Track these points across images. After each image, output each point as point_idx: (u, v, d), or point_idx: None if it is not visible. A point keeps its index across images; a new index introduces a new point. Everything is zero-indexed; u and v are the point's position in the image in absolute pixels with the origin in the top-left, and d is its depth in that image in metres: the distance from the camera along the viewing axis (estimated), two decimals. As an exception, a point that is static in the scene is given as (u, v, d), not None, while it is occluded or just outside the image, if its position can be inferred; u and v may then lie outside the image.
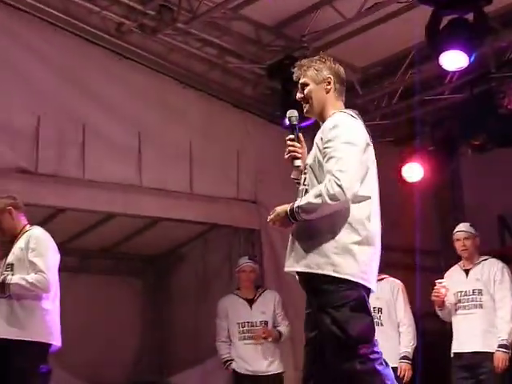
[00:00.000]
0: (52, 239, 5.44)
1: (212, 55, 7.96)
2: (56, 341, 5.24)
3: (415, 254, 8.46)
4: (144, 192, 7.67)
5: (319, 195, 3.59)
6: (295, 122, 3.96)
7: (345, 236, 3.66)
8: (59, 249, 9.58)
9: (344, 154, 3.63)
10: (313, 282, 3.70)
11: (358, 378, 3.56)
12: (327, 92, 3.90)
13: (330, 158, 3.64)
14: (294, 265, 3.75)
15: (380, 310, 6.38)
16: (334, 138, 3.68)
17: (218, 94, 8.43)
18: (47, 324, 5.15)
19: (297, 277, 3.85)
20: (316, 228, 3.69)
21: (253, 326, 7.13)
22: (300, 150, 3.91)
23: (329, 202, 3.57)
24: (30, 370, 5.06)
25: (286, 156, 3.92)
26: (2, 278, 5.15)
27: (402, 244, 8.97)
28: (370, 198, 3.77)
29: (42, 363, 5.15)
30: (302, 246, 3.71)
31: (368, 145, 3.80)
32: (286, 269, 3.83)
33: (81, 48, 7.56)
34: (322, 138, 3.75)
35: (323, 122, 3.87)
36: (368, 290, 3.75)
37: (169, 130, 7.96)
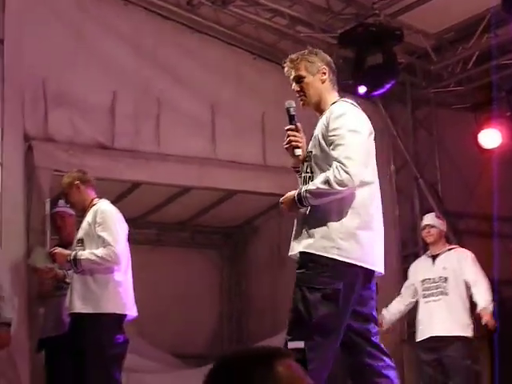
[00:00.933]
0: (118, 212, 5.48)
1: (282, 25, 7.92)
2: (130, 311, 5.32)
3: (493, 221, 8.33)
4: (218, 165, 7.73)
5: (326, 181, 3.70)
6: (293, 113, 4.07)
7: (349, 221, 3.77)
8: (137, 222, 9.77)
9: (351, 142, 3.74)
10: (303, 259, 3.80)
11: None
12: (323, 82, 4.01)
13: (337, 145, 3.75)
14: (300, 247, 3.83)
15: (446, 280, 6.36)
16: (340, 126, 3.79)
17: (289, 65, 8.41)
18: (120, 295, 5.24)
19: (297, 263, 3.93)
20: (323, 212, 3.79)
21: None
22: (301, 140, 3.99)
23: (337, 187, 3.68)
24: (107, 341, 5.16)
25: (286, 146, 4.01)
26: (73, 254, 5.24)
27: (479, 211, 8.84)
28: (373, 183, 3.88)
29: (118, 334, 5.23)
30: (309, 230, 3.80)
31: (371, 133, 3.91)
32: (291, 253, 3.92)
33: (153, 23, 7.64)
34: (325, 127, 3.84)
35: (320, 113, 3.99)
36: (371, 273, 3.84)
37: (241, 102, 7.98)
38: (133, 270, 8.95)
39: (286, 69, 4.06)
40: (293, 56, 4.06)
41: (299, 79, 4.01)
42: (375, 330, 3.91)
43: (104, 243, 5.16)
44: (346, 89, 8.45)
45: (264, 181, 7.94)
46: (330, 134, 3.78)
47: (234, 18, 7.86)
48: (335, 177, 3.66)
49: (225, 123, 7.85)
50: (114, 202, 8.65)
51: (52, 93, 6.94)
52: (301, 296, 3.72)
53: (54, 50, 7.00)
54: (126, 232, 5.42)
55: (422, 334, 6.44)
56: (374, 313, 3.94)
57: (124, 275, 5.31)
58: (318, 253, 3.73)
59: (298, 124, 4.03)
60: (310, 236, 3.78)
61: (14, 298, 5.78)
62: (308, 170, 3.90)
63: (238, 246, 10.40)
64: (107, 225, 5.25)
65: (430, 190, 8.69)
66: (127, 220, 9.52)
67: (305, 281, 3.75)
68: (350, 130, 3.76)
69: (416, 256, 8.40)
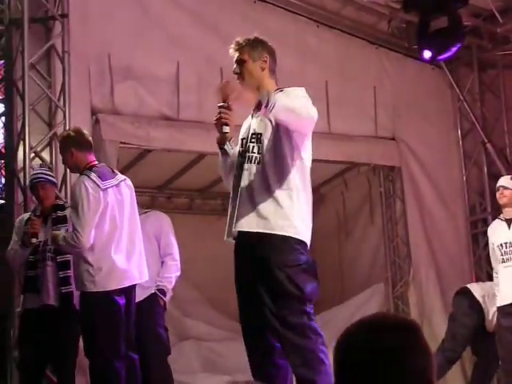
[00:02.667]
0: (89, 188, 5.10)
1: (345, -8, 7.86)
2: (111, 286, 5.17)
3: None
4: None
5: (292, 109, 3.84)
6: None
7: (301, 202, 4.00)
8: (203, 193, 9.85)
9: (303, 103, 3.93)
10: (269, 241, 3.98)
11: (303, 329, 3.96)
12: (263, 70, 4.17)
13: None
14: (253, 226, 4.02)
15: None
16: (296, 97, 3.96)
17: (352, 32, 8.33)
18: (90, 274, 5.10)
19: (231, 240, 4.23)
20: (276, 193, 3.96)
21: None
22: (231, 118, 4.13)
23: (304, 114, 3.86)
24: (92, 319, 5.13)
25: (215, 121, 4.18)
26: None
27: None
28: (309, 166, 4.07)
29: (106, 310, 5.12)
30: (263, 209, 3.97)
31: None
32: (240, 228, 4.09)
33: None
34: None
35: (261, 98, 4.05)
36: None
37: (305, 71, 7.94)
38: (200, 239, 9.11)
39: (230, 50, 4.24)
40: (239, 39, 4.23)
41: (240, 62, 4.18)
42: None
43: (72, 227, 5.13)
44: (410, 53, 8.40)
45: (328, 149, 7.89)
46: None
47: (296, -15, 7.82)
48: (300, 109, 3.84)
49: (288, 92, 7.83)
50: (179, 174, 8.83)
51: (117, 66, 7.01)
52: (285, 276, 3.95)
53: (118, 23, 7.06)
54: (97, 209, 5.10)
55: (504, 299, 6.32)
56: None
57: (100, 253, 5.10)
58: (278, 233, 3.94)
59: (231, 104, 4.14)
60: (263, 216, 3.97)
61: None
62: (255, 151, 4.07)
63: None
64: (75, 207, 5.09)
65: (499, 155, 8.56)
66: (194, 191, 9.72)
67: (282, 262, 3.96)
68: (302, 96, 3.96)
69: (484, 221, 8.32)
